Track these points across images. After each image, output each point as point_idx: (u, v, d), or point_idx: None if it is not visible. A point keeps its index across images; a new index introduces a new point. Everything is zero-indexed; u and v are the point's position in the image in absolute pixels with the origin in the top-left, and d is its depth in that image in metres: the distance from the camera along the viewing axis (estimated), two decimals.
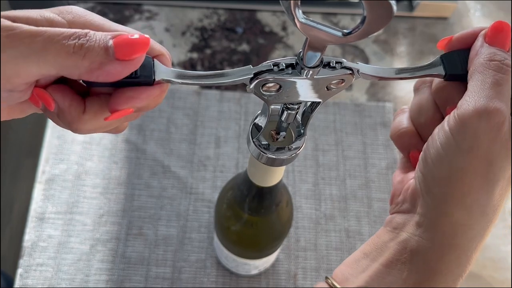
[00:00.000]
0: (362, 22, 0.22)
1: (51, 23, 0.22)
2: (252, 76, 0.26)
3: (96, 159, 0.62)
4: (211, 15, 0.77)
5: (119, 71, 0.22)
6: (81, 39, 0.21)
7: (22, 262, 0.56)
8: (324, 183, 0.63)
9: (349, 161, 0.65)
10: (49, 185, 0.60)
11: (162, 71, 0.25)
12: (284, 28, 0.76)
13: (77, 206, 0.59)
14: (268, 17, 0.77)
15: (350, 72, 0.27)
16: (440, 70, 0.27)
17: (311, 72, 0.25)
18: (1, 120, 0.25)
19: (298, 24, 0.22)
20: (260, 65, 0.26)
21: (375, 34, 0.22)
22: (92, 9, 0.75)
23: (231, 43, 0.74)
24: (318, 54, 0.25)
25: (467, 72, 0.26)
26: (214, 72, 0.26)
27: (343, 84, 0.27)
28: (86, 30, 0.22)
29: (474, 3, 0.83)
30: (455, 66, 0.27)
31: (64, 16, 0.23)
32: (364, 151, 0.66)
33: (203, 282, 0.56)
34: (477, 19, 0.81)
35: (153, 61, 0.25)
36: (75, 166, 0.62)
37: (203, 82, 0.26)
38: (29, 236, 0.57)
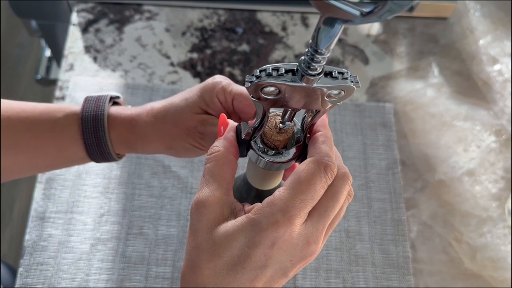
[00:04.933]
0: None
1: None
2: (254, 80, 0.26)
3: None
4: (211, 15, 0.77)
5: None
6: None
7: (23, 261, 0.56)
8: None
9: (349, 161, 0.65)
10: (49, 184, 0.60)
11: (243, 131, 0.31)
12: (284, 28, 0.76)
13: (78, 206, 0.59)
14: (268, 17, 0.77)
15: (352, 83, 0.26)
16: None
17: (311, 79, 0.25)
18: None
19: None
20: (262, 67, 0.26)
21: (395, 15, 0.20)
22: (92, 9, 0.75)
23: (231, 43, 0.74)
24: (332, 36, 0.23)
25: None
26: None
27: (343, 94, 0.27)
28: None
29: (473, 3, 0.83)
30: None
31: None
32: (364, 151, 0.66)
33: None
34: (477, 19, 0.81)
35: (240, 125, 0.31)
36: (76, 165, 0.62)
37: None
38: (29, 235, 0.57)
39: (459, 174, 0.67)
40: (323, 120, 0.30)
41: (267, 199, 0.27)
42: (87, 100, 0.40)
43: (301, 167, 0.28)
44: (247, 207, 0.29)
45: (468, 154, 0.68)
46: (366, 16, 0.21)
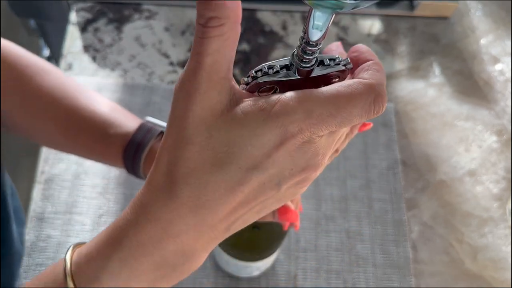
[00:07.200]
0: None
1: None
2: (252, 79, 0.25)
3: None
4: None
5: None
6: None
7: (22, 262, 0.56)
8: (325, 183, 0.63)
9: (350, 161, 0.65)
10: (48, 185, 0.60)
11: None
12: (284, 28, 0.76)
13: (76, 206, 0.59)
14: (268, 17, 0.77)
15: (344, 67, 0.26)
16: None
17: (306, 71, 0.25)
18: None
19: None
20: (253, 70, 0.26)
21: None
22: (91, 9, 0.75)
23: None
24: (322, 29, 0.23)
25: None
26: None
27: (338, 80, 0.27)
28: None
29: (475, 3, 0.83)
30: None
31: None
32: (365, 151, 0.66)
33: (203, 283, 0.56)
34: (478, 18, 0.81)
35: None
36: (74, 166, 0.61)
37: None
38: (28, 236, 0.57)
39: (460, 174, 0.66)
40: (370, 51, 0.26)
41: (293, 94, 0.22)
42: (141, 127, 0.43)
43: (345, 82, 0.23)
44: (249, 97, 0.24)
45: (469, 154, 0.68)
46: (355, 0, 0.20)
